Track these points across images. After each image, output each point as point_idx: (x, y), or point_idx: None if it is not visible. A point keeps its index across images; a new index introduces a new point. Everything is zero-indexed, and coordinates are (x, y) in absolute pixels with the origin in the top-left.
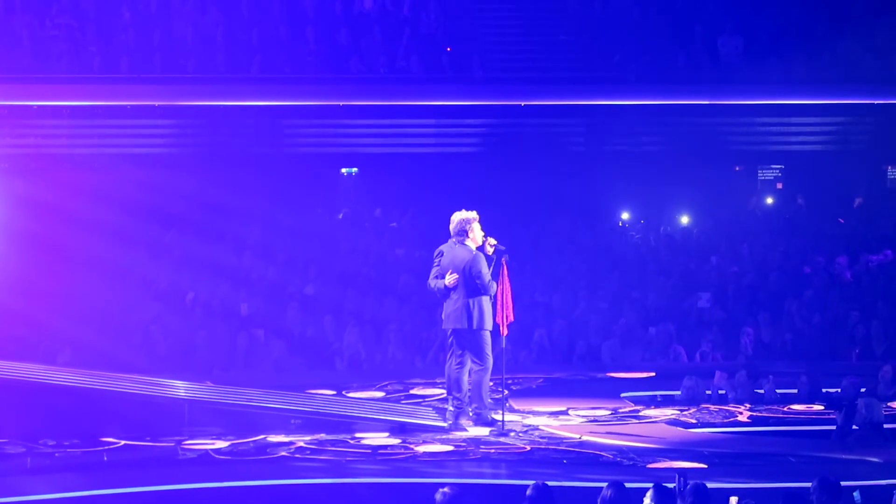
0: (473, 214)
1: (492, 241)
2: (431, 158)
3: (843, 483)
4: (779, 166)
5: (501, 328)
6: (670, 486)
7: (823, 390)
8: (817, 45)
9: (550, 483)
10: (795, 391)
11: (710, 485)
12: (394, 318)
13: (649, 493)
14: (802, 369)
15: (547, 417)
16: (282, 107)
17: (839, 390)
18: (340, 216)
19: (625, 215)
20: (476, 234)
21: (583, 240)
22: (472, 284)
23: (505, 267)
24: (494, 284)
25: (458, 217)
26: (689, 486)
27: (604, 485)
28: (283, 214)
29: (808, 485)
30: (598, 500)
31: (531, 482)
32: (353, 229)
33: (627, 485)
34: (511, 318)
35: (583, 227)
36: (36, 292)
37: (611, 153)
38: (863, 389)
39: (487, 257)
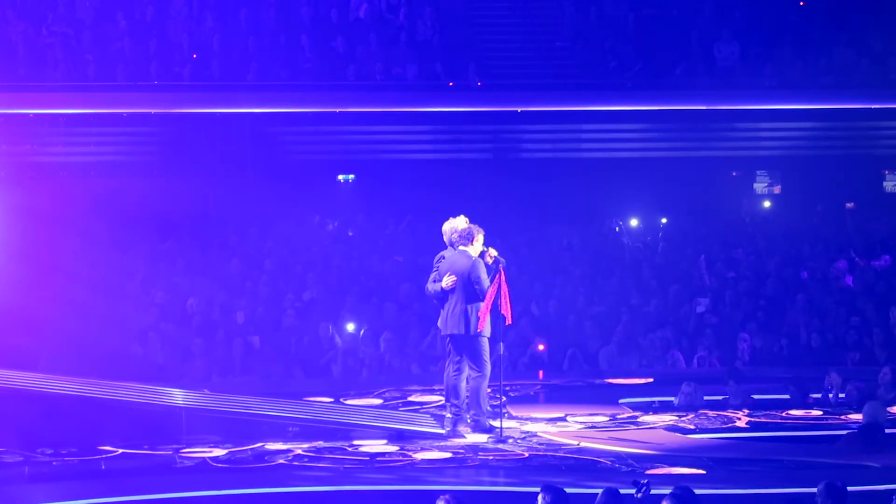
0: (471, 226)
1: (492, 251)
2: (428, 165)
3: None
4: (776, 171)
5: (507, 318)
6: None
7: (812, 396)
8: (813, 51)
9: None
10: (787, 397)
11: (710, 491)
12: (391, 325)
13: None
14: (793, 376)
15: (545, 424)
16: (278, 114)
17: (843, 395)
18: (316, 220)
19: (621, 221)
20: (478, 245)
21: (579, 246)
22: (470, 290)
23: (502, 272)
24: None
25: (463, 224)
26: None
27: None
28: (280, 221)
29: (808, 490)
30: None
31: (529, 489)
32: (345, 237)
33: (623, 490)
34: (509, 320)
35: (579, 233)
36: (32, 301)
37: (608, 159)
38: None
39: (487, 267)
